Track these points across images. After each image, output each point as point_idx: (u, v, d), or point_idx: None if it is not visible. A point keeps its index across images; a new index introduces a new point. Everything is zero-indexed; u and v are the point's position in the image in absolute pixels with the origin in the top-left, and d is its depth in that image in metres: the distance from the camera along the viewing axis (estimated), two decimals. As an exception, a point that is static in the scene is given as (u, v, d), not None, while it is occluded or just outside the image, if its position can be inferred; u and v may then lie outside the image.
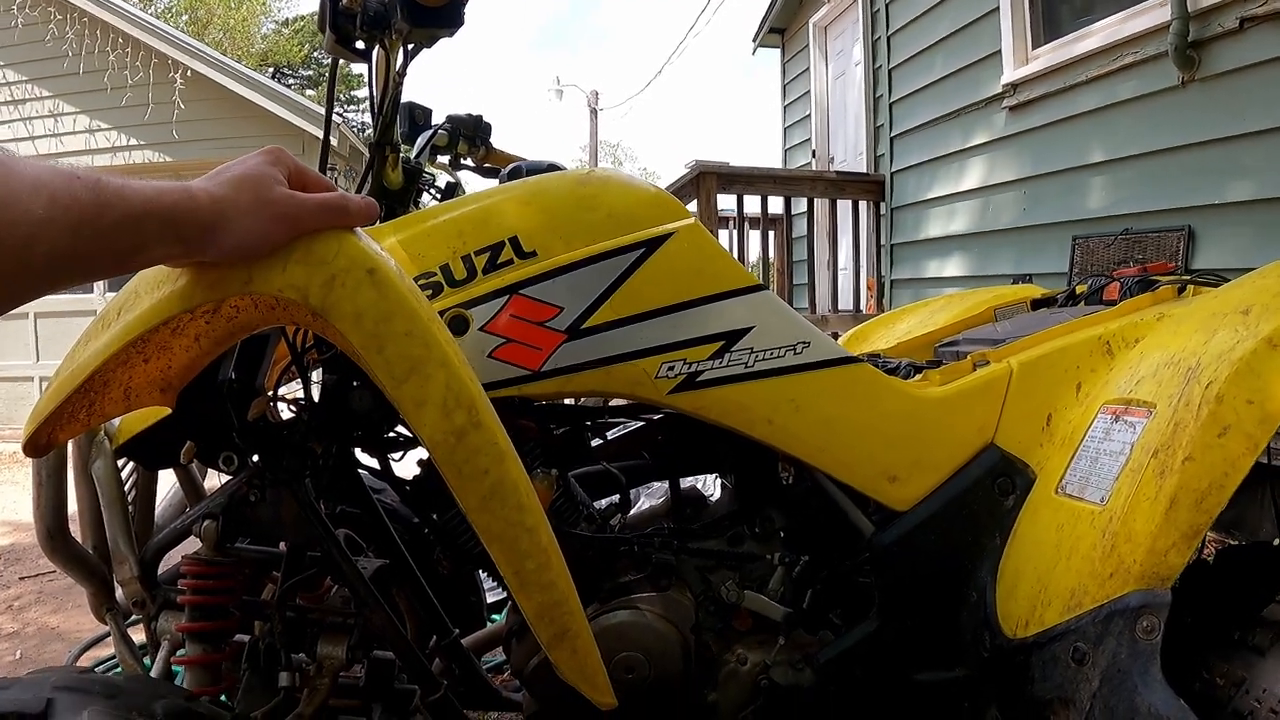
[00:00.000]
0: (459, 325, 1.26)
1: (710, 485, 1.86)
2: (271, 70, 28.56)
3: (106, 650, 2.96)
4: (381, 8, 1.37)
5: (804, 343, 1.38)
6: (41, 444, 1.10)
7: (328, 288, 0.93)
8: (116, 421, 1.43)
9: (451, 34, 1.37)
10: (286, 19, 30.91)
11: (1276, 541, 2.09)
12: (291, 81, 29.40)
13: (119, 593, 1.50)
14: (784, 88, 9.85)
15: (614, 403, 1.53)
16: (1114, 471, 1.27)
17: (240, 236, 0.86)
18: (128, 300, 1.04)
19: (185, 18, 25.39)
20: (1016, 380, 1.48)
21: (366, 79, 1.48)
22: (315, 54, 30.65)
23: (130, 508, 1.51)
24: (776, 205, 6.58)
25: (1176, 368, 1.30)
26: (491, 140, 2.03)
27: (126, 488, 1.53)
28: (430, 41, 1.40)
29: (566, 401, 1.55)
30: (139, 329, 0.97)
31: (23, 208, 0.63)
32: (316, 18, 1.45)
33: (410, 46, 1.42)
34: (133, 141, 10.29)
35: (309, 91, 28.55)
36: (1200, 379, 1.23)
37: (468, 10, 1.35)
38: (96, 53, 10.07)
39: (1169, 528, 1.15)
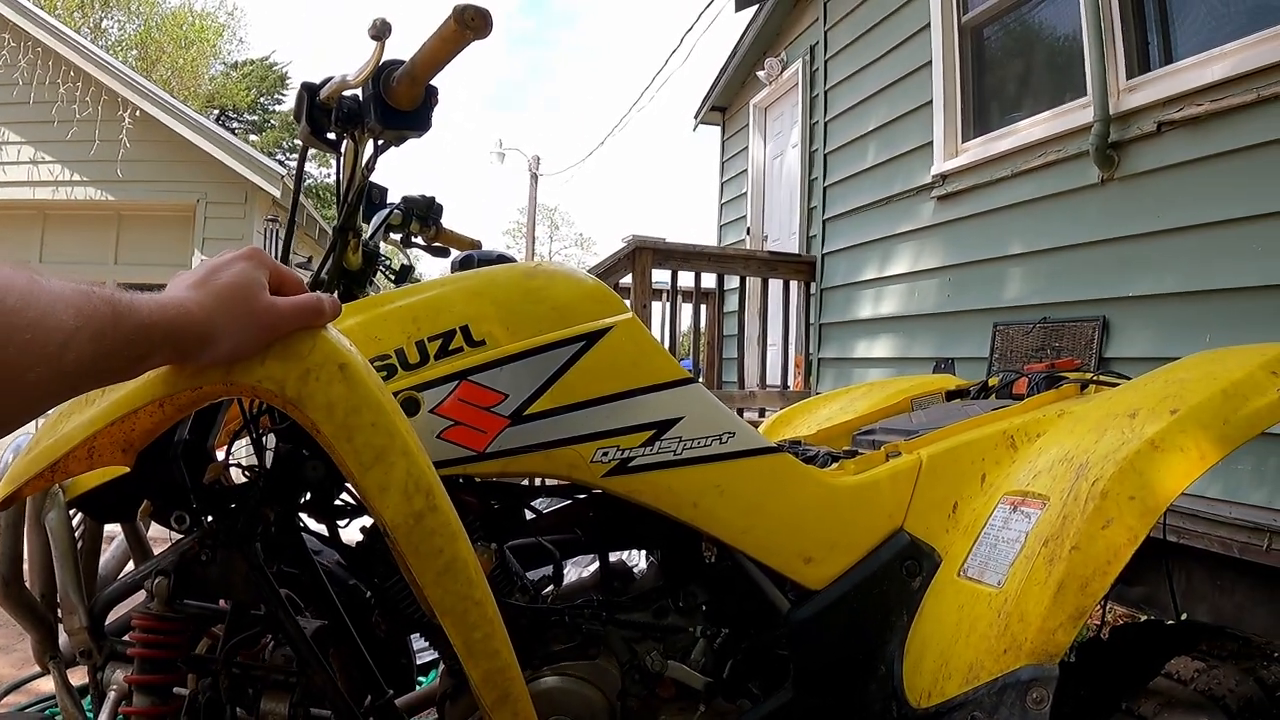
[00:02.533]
0: (411, 406, 1.32)
1: (638, 559, 1.93)
2: (217, 112, 28.30)
3: (18, 698, 2.94)
4: (356, 106, 1.45)
5: (730, 433, 1.46)
6: (10, 499, 1.17)
7: (302, 381, 1.02)
8: (70, 476, 1.47)
9: (419, 135, 1.45)
10: (235, 62, 30.73)
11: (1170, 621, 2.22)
12: (236, 126, 29.13)
13: (63, 641, 1.52)
14: (722, 164, 9.99)
15: (549, 481, 1.59)
16: (1010, 557, 1.37)
17: (229, 347, 0.94)
18: None
19: (135, 53, 25.16)
20: (926, 471, 1.58)
21: (335, 168, 1.55)
22: (262, 99, 30.47)
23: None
24: (709, 280, 6.68)
25: (1070, 464, 1.42)
26: (442, 221, 2.10)
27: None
28: (399, 141, 1.47)
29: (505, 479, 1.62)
30: (125, 408, 1.05)
31: (57, 319, 0.69)
32: (294, 109, 1.54)
33: (380, 143, 1.49)
34: (76, 177, 10.05)
35: (253, 137, 28.35)
36: (1088, 475, 1.35)
37: (434, 115, 1.44)
38: (47, 84, 9.86)
39: (1057, 609, 1.26)
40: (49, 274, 0.72)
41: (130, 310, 0.79)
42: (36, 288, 0.69)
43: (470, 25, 1.26)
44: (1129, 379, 1.76)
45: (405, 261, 2.00)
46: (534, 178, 25.15)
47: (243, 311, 0.94)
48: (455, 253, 2.11)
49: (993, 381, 2.15)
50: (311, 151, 1.65)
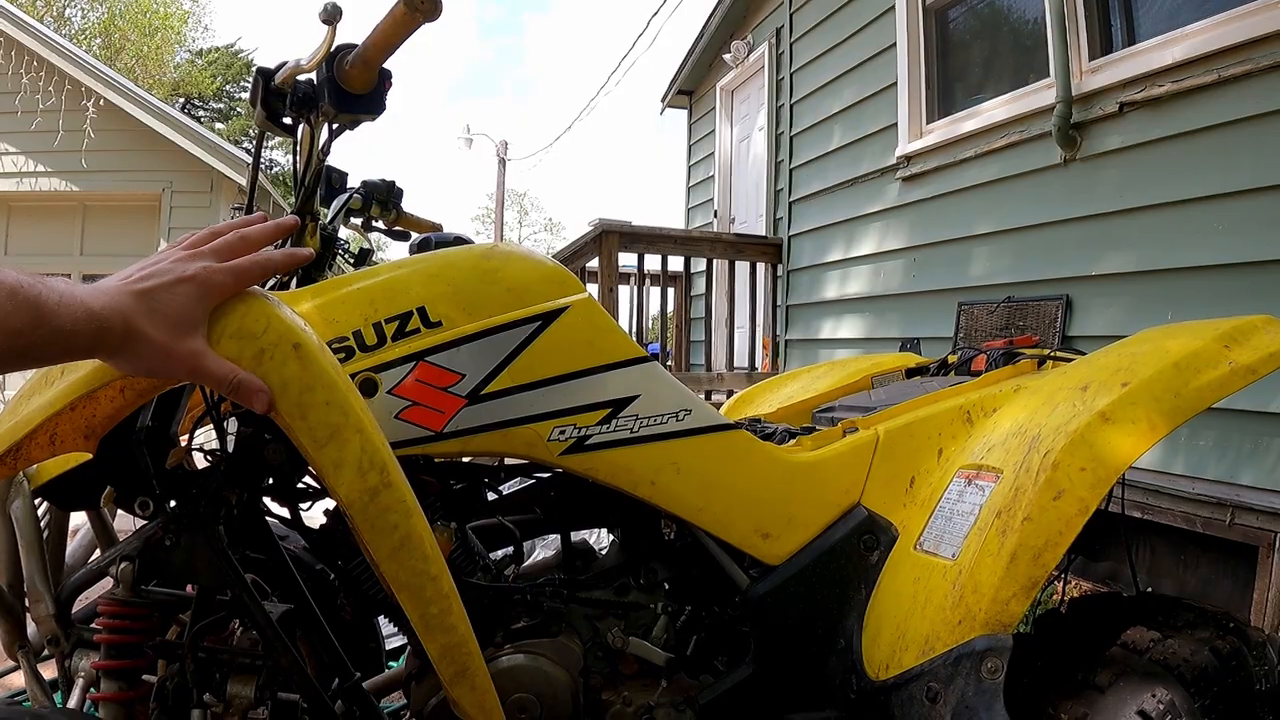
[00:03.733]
0: (369, 388, 1.33)
1: (600, 538, 1.95)
2: (182, 100, 28.07)
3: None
4: (310, 90, 1.46)
5: (686, 410, 1.47)
6: None
7: (257, 360, 1.02)
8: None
9: (373, 119, 1.46)
10: (200, 49, 30.46)
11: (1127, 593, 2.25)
12: (202, 114, 28.90)
13: (31, 630, 1.52)
14: (690, 148, 10.01)
15: (509, 461, 1.59)
16: (965, 530, 1.40)
17: (157, 346, 0.95)
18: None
19: (99, 41, 24.88)
20: (883, 446, 1.60)
21: (291, 153, 1.56)
22: (227, 86, 30.21)
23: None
24: (677, 264, 6.71)
25: (1023, 436, 1.45)
26: (402, 204, 2.10)
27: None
28: (353, 125, 1.48)
29: (465, 459, 1.63)
30: (82, 389, 1.06)
31: None
32: (249, 93, 1.54)
33: (335, 126, 1.49)
34: (40, 168, 10.03)
35: (219, 125, 28.11)
36: (1040, 448, 1.38)
37: (389, 98, 1.45)
38: (10, 74, 9.84)
39: (1010, 580, 1.28)
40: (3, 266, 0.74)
41: (54, 314, 0.82)
42: None
43: (419, 9, 1.26)
44: (1085, 355, 1.79)
45: (365, 245, 2.00)
46: (502, 163, 25.08)
47: (165, 312, 0.95)
48: (415, 236, 2.11)
49: (952, 359, 2.17)
50: (277, 140, 1.65)
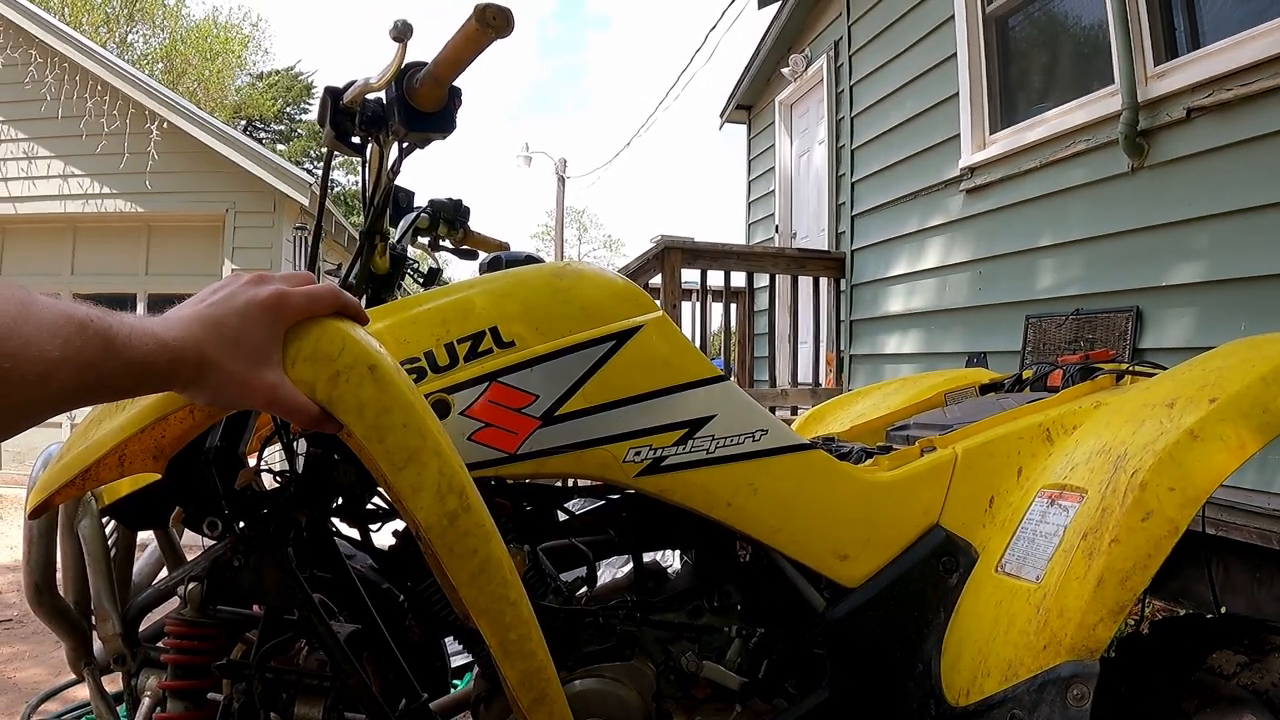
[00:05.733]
0: (441, 409, 1.32)
1: (671, 559, 1.93)
2: (244, 123, 28.63)
3: (53, 705, 2.97)
4: (380, 109, 1.46)
5: (762, 430, 1.45)
6: (43, 507, 1.18)
7: (333, 383, 1.01)
8: (102, 483, 1.48)
9: (444, 137, 1.46)
10: (261, 72, 31.06)
11: (1210, 615, 2.19)
12: (263, 136, 29.47)
13: (97, 647, 1.53)
14: (749, 163, 9.96)
15: (582, 482, 1.58)
16: (1048, 552, 1.36)
17: (230, 375, 0.92)
18: None
19: (161, 65, 25.46)
20: (961, 465, 1.57)
21: (361, 172, 1.56)
22: (288, 109, 30.76)
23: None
24: (739, 279, 6.67)
25: (1107, 455, 1.40)
26: (469, 223, 2.11)
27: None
28: (424, 144, 1.48)
29: (538, 480, 1.62)
30: (153, 416, 1.05)
31: (40, 350, 0.70)
32: (318, 113, 1.54)
33: (404, 145, 1.49)
34: (105, 190, 10.26)
35: (280, 146, 28.61)
36: (1126, 467, 1.33)
37: (459, 116, 1.44)
38: (75, 98, 10.07)
39: (1097, 604, 1.24)
40: (65, 295, 0.72)
41: (125, 346, 0.79)
42: (25, 315, 0.70)
43: (492, 24, 1.26)
44: (1165, 369, 1.74)
45: (434, 264, 2.00)
46: (561, 180, 25.21)
47: (239, 341, 0.92)
48: (484, 255, 2.10)
49: (1027, 374, 2.13)
50: (339, 158, 1.66)
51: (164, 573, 1.74)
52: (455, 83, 1.40)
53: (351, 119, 1.49)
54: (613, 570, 1.97)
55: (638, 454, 1.40)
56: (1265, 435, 1.35)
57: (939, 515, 1.55)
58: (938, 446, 1.62)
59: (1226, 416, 1.34)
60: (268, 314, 0.95)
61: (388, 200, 1.54)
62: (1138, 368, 1.91)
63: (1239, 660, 1.54)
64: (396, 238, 1.87)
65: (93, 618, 1.51)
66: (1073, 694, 1.22)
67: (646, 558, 1.68)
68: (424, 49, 1.44)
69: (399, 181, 1.65)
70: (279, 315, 0.96)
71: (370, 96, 1.48)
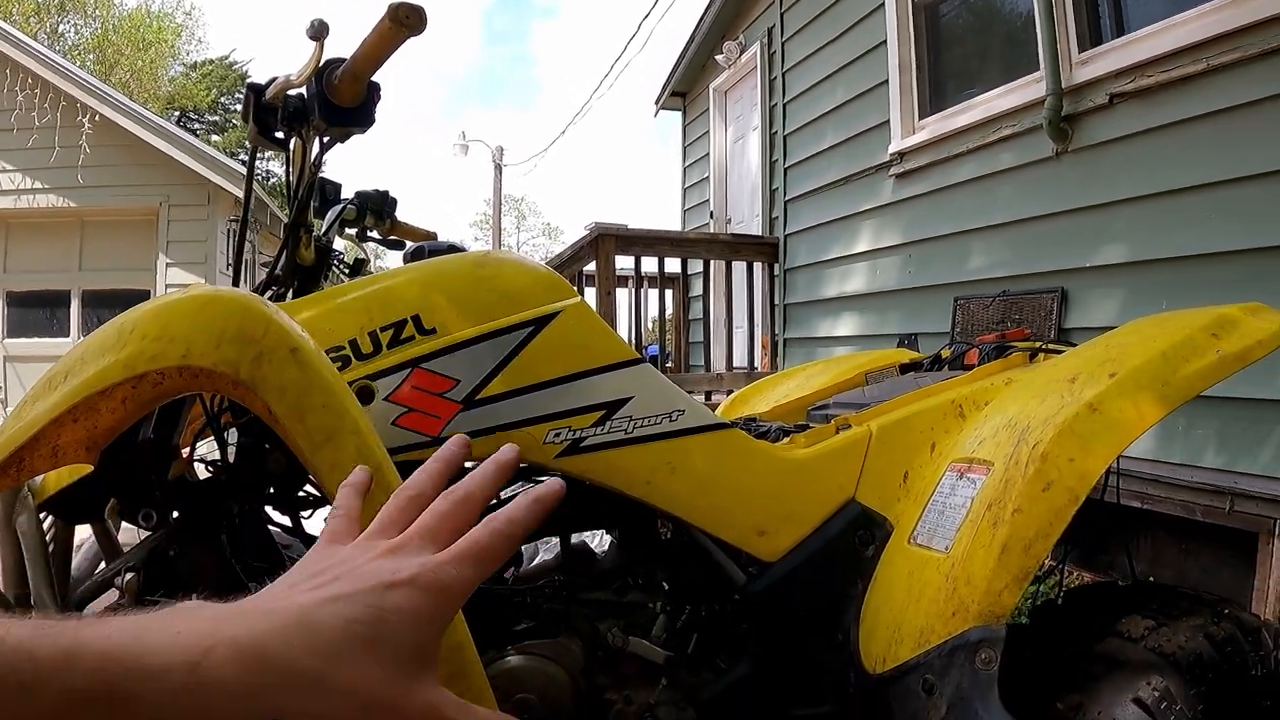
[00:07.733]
0: (365, 395, 1.34)
1: (602, 540, 1.96)
2: (177, 114, 28.06)
3: None
4: (301, 105, 1.48)
5: (679, 411, 1.49)
6: None
7: (256, 364, 1.05)
8: (39, 478, 1.48)
9: (363, 131, 1.48)
10: (195, 62, 30.46)
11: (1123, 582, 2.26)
12: (198, 127, 28.90)
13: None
14: (685, 149, 9.98)
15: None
16: (957, 523, 1.42)
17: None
18: (74, 365, 1.14)
19: (93, 56, 24.90)
20: (876, 442, 1.62)
21: (284, 166, 1.58)
22: (223, 99, 30.22)
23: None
24: (674, 265, 6.69)
25: (1012, 429, 1.46)
26: (396, 214, 2.12)
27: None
28: (344, 137, 1.50)
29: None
30: (84, 392, 1.08)
31: None
32: (241, 109, 1.56)
33: (325, 140, 1.51)
34: (37, 185, 10.02)
35: (215, 137, 28.13)
36: (1029, 440, 1.40)
37: (378, 110, 1.47)
38: (5, 91, 9.83)
39: (1002, 571, 1.30)
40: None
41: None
42: None
43: (405, 23, 1.29)
44: (1076, 347, 1.80)
45: (360, 255, 2.02)
46: (498, 169, 25.06)
47: (379, 647, 0.53)
48: (409, 244, 2.12)
49: (945, 353, 2.18)
50: (270, 152, 1.67)
51: (102, 566, 1.74)
52: (374, 78, 1.43)
53: (274, 115, 1.52)
54: (545, 553, 2.00)
55: (558, 435, 1.43)
56: (1164, 406, 1.42)
57: (854, 490, 1.60)
58: (853, 424, 1.66)
59: (1125, 390, 1.40)
60: (418, 604, 0.55)
61: (311, 193, 1.56)
62: (1050, 345, 1.97)
63: (1147, 625, 1.58)
64: (323, 230, 1.88)
65: (33, 612, 1.51)
66: (981, 657, 1.28)
67: (575, 538, 1.71)
68: (350, 44, 1.48)
69: (327, 174, 1.67)
70: (439, 608, 0.57)
71: (291, 93, 1.50)
